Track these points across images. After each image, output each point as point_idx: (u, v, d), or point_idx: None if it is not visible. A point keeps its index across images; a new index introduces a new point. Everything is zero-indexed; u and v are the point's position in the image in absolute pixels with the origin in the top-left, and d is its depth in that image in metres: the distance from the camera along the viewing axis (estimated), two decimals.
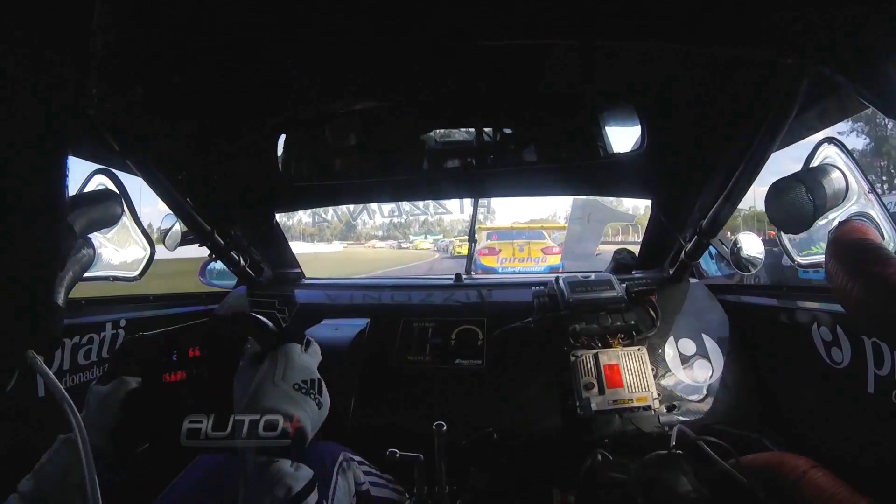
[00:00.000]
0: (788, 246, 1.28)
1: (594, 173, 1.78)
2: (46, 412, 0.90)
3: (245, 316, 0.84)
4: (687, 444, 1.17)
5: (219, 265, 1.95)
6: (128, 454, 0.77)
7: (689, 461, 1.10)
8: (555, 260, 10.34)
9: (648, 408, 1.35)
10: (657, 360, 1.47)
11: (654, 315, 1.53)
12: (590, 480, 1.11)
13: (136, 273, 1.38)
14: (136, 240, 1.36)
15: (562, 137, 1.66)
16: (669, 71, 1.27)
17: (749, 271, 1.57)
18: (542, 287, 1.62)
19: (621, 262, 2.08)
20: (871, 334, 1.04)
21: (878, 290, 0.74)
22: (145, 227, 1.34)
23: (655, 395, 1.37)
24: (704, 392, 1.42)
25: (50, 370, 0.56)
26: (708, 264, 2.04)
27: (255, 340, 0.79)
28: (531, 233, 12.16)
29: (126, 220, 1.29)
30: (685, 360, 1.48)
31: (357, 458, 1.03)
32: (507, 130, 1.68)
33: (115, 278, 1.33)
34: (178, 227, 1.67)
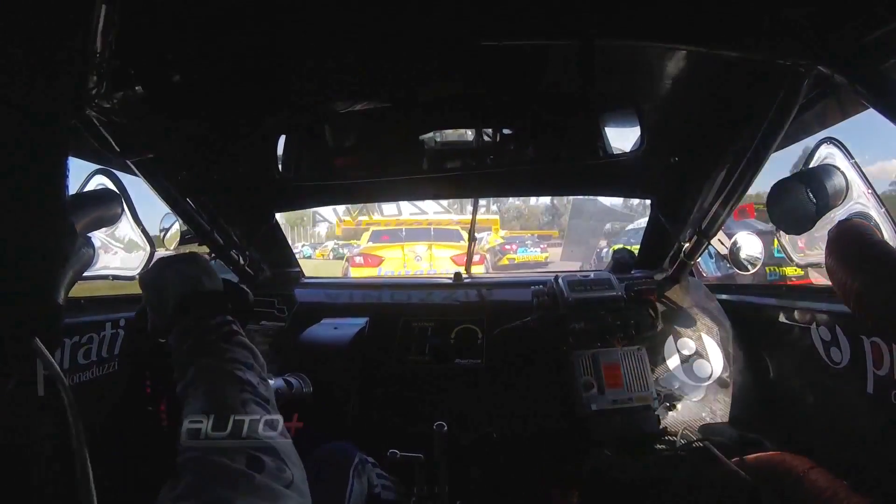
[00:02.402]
0: (787, 246, 1.28)
1: (594, 173, 1.78)
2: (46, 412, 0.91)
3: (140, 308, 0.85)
4: (691, 444, 1.17)
5: (219, 264, 1.95)
6: None
7: (695, 462, 1.10)
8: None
9: (648, 408, 1.35)
10: (657, 360, 1.47)
11: (653, 314, 1.53)
12: (594, 481, 1.11)
13: (136, 272, 1.38)
14: (136, 239, 1.36)
15: (561, 138, 1.66)
16: (669, 71, 1.27)
17: (748, 271, 1.57)
18: (541, 286, 1.62)
19: (621, 262, 2.08)
20: (874, 331, 1.04)
21: (879, 287, 0.74)
22: None
23: (655, 394, 1.37)
24: (704, 392, 1.43)
25: (52, 358, 0.56)
26: (707, 264, 2.04)
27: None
28: (440, 232, 8.07)
29: (126, 219, 1.29)
30: (685, 359, 1.48)
31: (371, 459, 1.03)
32: (507, 131, 1.68)
33: (115, 277, 1.33)
34: (178, 227, 1.67)
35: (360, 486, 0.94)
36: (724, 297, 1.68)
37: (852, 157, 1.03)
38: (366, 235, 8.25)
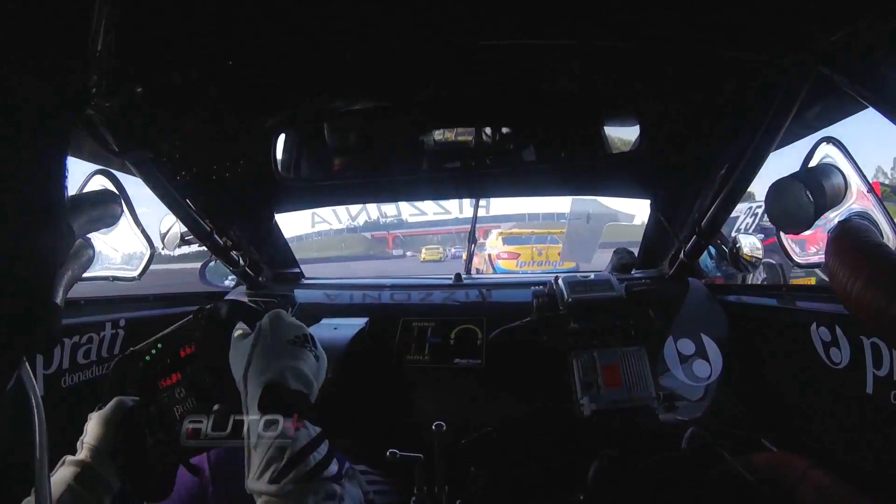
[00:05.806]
0: (787, 246, 1.28)
1: (593, 173, 1.78)
2: (45, 412, 0.90)
3: (234, 301, 0.85)
4: (691, 444, 1.17)
5: (219, 265, 1.95)
6: (144, 486, 0.75)
7: (695, 462, 1.09)
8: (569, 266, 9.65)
9: (648, 408, 1.35)
10: (656, 360, 1.47)
11: (653, 315, 1.53)
12: (599, 482, 1.11)
13: (136, 273, 1.38)
14: (136, 240, 1.36)
15: (561, 137, 1.66)
16: (668, 71, 1.27)
17: (748, 272, 1.57)
18: (541, 287, 1.62)
19: (621, 262, 2.08)
20: (873, 333, 1.04)
21: (879, 289, 0.74)
22: None
23: (655, 395, 1.36)
24: (703, 392, 1.43)
25: (33, 376, 0.56)
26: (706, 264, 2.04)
27: (245, 321, 0.80)
28: (547, 238, 11.92)
29: (126, 220, 1.29)
30: (684, 359, 1.48)
31: (360, 466, 1.02)
32: (506, 130, 1.68)
33: (115, 278, 1.33)
34: (178, 228, 1.67)
35: (353, 490, 0.93)
36: (723, 297, 1.68)
37: (852, 157, 1.03)
38: (494, 240, 11.68)
